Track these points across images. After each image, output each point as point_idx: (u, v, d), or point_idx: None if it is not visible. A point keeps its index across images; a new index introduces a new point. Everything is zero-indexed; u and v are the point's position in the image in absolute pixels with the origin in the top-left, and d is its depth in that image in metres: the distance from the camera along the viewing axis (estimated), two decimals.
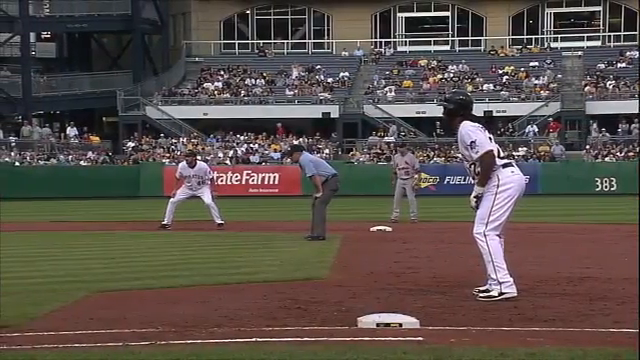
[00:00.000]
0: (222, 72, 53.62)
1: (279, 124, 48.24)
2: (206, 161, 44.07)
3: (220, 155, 45.15)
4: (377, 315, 7.69)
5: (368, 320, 7.59)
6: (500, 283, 9.00)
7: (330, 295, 9.42)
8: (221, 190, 42.58)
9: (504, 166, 9.07)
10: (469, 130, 9.06)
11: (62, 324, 7.75)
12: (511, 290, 8.98)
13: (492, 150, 9.00)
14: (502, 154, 9.21)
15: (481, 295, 9.08)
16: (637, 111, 44.62)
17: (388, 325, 7.45)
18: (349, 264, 12.71)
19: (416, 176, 23.49)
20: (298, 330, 7.38)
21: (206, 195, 20.79)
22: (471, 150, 9.02)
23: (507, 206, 9.05)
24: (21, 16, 50.30)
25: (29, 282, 10.64)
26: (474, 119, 9.23)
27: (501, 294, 8.96)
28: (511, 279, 9.04)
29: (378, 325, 7.46)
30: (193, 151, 25.93)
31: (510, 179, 9.05)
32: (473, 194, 9.15)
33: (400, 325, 7.46)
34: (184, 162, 21.58)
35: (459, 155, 45.69)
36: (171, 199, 20.94)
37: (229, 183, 42.15)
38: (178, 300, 9.23)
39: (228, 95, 51.15)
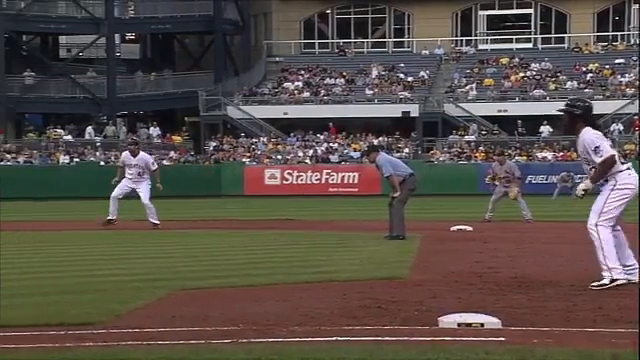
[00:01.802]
0: (302, 72, 53.82)
1: (330, 123, 48.22)
2: (286, 160, 44.54)
3: (300, 154, 45.34)
4: (458, 315, 7.64)
5: (449, 320, 7.54)
6: (610, 269, 9.45)
7: (410, 295, 9.38)
8: (300, 189, 43.29)
9: (623, 169, 9.72)
10: (593, 137, 9.71)
11: (146, 321, 7.86)
12: (622, 277, 9.45)
13: (614, 155, 9.71)
14: (622, 159, 9.90)
15: (594, 284, 9.49)
16: None
17: (469, 325, 7.40)
18: (429, 264, 12.65)
19: (518, 182, 23.19)
20: (378, 329, 7.37)
21: (144, 193, 20.90)
22: (595, 155, 9.61)
23: (620, 203, 9.61)
24: (107, 18, 51.24)
25: (114, 280, 10.83)
26: (594, 125, 9.88)
27: (612, 281, 9.42)
28: (621, 267, 9.51)
29: (459, 325, 7.41)
30: (136, 140, 25.96)
31: (627, 180, 9.68)
32: (583, 187, 9.68)
33: (482, 325, 7.40)
34: (127, 151, 21.79)
35: (540, 154, 44.53)
36: (112, 194, 21.06)
37: (309, 182, 42.35)
38: (259, 298, 9.28)
39: (308, 94, 51.33)
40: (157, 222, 20.60)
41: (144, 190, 20.91)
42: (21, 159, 44.50)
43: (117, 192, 21.02)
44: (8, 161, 44.21)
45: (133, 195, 21.04)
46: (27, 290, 9.89)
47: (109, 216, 20.75)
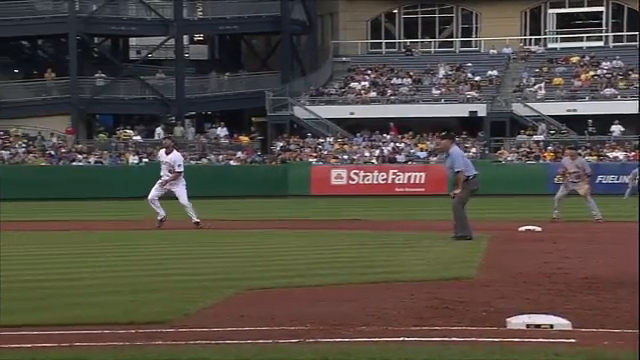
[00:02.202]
0: (369, 71, 53.77)
1: (391, 123, 48.00)
2: (352, 160, 44.53)
3: (366, 154, 45.30)
4: (527, 316, 7.57)
5: (518, 321, 7.48)
6: None
7: (478, 295, 9.31)
8: (367, 189, 43.25)
9: None
10: None
11: (214, 321, 7.92)
12: None
13: None
14: None
15: None
16: None
17: (538, 326, 7.32)
18: (497, 264, 12.54)
19: (588, 179, 22.87)
20: (446, 330, 7.33)
21: (180, 193, 20.69)
22: None
23: None
24: (175, 19, 51.78)
25: (182, 279, 10.93)
26: None
27: None
28: None
29: (528, 326, 7.34)
30: (171, 138, 25.82)
31: None
32: None
33: (551, 326, 7.32)
34: (163, 149, 21.72)
35: (611, 154, 44.03)
36: (148, 197, 20.89)
37: (375, 182, 42.30)
38: (326, 298, 9.29)
39: (374, 94, 51.26)
40: (198, 220, 20.53)
41: (180, 191, 20.76)
42: (92, 159, 45.20)
43: (153, 194, 20.80)
44: (80, 161, 44.93)
45: (189, 195, 20.93)
46: (98, 289, 10.04)
47: (158, 216, 20.64)
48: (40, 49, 60.30)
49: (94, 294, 9.62)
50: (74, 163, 44.57)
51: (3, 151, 45.40)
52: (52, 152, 45.49)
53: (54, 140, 47.28)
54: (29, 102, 50.24)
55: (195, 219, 20.58)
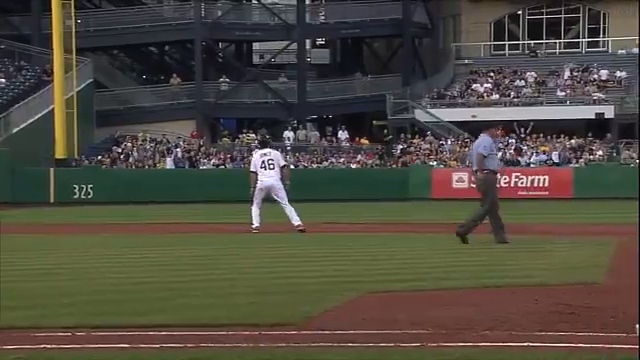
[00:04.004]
0: (491, 73, 53.15)
1: (500, 125, 47.01)
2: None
3: None
4: None
5: None
6: None
7: (606, 300, 9.09)
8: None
9: None
10: None
11: (336, 323, 7.95)
12: None
13: None
14: None
15: None
16: None
17: None
18: (626, 269, 12.21)
19: None
20: (572, 336, 7.18)
21: (281, 197, 20.18)
22: None
23: None
24: (298, 24, 52.29)
25: (302, 282, 11.01)
26: None
27: None
28: None
29: None
30: (265, 137, 25.45)
31: None
32: None
33: None
34: (257, 152, 21.30)
35: None
36: (252, 207, 20.34)
37: (497, 185, 41.69)
38: (448, 302, 9.22)
39: (497, 96, 50.62)
40: (300, 223, 19.97)
41: (281, 193, 20.34)
42: (214, 161, 45.98)
43: (256, 203, 20.35)
44: (204, 165, 45.81)
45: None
46: (222, 291, 10.19)
47: (253, 224, 20.23)
48: (167, 55, 61.81)
49: (218, 296, 9.77)
50: (204, 167, 45.35)
51: (135, 154, 46.68)
52: (180, 156, 46.45)
53: (181, 144, 48.27)
54: (156, 107, 51.52)
55: (297, 222, 20.07)
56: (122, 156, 46.73)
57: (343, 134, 50.66)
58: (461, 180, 42.05)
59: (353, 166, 45.76)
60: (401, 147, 47.36)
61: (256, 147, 22.16)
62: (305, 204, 37.41)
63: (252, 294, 9.79)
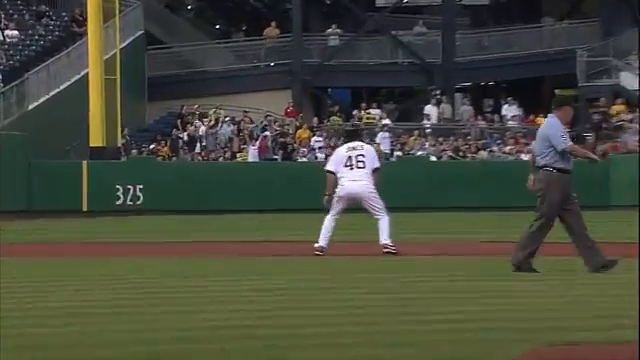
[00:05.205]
0: None
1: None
2: None
3: None
4: None
5: None
6: None
7: None
8: None
9: None
10: None
11: None
12: None
13: None
14: None
15: None
16: None
17: None
18: None
19: None
20: None
21: (375, 205, 20.36)
22: None
23: None
24: None
25: (444, 327, 11.07)
26: None
27: None
28: None
29: None
30: (356, 125, 25.41)
31: None
32: None
33: None
34: (342, 147, 21.63)
35: None
36: (326, 217, 20.61)
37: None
38: None
39: None
40: (388, 242, 20.22)
41: (375, 202, 20.49)
42: (318, 152, 45.80)
43: (332, 214, 20.65)
44: (304, 156, 45.91)
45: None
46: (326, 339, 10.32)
47: (319, 242, 20.54)
48: None
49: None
50: (304, 160, 45.48)
51: (204, 141, 47.11)
52: (269, 143, 46.47)
53: (272, 125, 48.37)
54: (235, 72, 52.02)
55: (386, 241, 20.27)
56: (186, 143, 47.43)
57: (510, 109, 50.39)
58: None
59: (525, 157, 45.47)
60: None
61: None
62: (453, 213, 37.19)
63: (379, 345, 9.90)
